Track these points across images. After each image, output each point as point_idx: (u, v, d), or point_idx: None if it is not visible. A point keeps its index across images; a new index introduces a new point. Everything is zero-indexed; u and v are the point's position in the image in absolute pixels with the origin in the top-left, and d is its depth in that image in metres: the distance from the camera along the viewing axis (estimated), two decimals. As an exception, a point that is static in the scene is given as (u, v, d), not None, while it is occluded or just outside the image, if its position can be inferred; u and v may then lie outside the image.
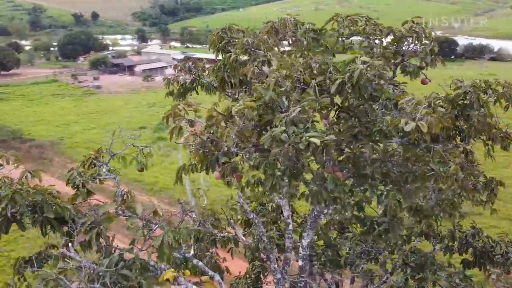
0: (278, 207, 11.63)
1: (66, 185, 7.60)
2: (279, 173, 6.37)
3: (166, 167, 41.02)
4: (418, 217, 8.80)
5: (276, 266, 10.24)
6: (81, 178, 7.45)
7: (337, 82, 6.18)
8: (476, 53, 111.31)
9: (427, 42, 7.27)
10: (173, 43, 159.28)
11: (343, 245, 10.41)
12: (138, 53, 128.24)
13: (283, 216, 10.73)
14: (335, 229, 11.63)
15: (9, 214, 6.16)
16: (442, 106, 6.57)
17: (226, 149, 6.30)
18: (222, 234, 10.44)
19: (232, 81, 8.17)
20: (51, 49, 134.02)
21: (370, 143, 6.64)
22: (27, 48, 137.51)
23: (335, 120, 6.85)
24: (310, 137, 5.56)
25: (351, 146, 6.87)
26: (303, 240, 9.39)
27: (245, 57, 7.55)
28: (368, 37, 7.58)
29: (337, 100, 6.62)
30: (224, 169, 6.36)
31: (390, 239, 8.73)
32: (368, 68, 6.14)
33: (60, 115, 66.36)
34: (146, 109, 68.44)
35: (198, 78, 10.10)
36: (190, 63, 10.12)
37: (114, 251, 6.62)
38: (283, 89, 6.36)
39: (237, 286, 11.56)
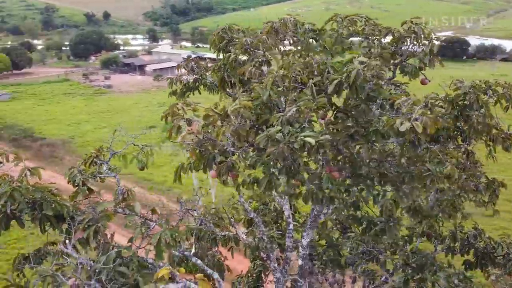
0: (280, 206, 11.64)
1: (68, 183, 7.72)
2: (275, 172, 6.39)
3: (175, 166, 41.03)
4: (418, 218, 8.77)
5: (276, 265, 10.27)
6: (82, 176, 7.54)
7: (334, 82, 6.20)
8: (488, 53, 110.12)
9: (426, 42, 7.26)
10: (183, 43, 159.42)
11: (345, 245, 10.41)
12: (149, 52, 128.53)
13: (285, 216, 10.75)
14: (337, 229, 11.62)
15: (8, 211, 6.26)
16: (441, 107, 6.56)
17: (222, 148, 6.35)
18: (223, 233, 10.48)
19: (232, 80, 8.22)
20: (63, 48, 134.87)
21: (367, 144, 6.65)
22: (39, 47, 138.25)
23: (332, 120, 6.85)
24: (305, 136, 5.59)
25: (348, 146, 6.88)
26: (303, 240, 9.42)
27: (244, 57, 7.60)
28: (367, 37, 7.59)
29: (335, 100, 6.64)
30: (220, 168, 6.41)
31: (386, 239, 8.71)
32: (365, 69, 6.15)
33: (71, 114, 66.69)
34: (157, 108, 68.50)
35: (201, 77, 10.18)
36: (193, 63, 10.20)
37: (112, 249, 6.69)
38: (280, 88, 6.38)
39: (239, 285, 11.60)
